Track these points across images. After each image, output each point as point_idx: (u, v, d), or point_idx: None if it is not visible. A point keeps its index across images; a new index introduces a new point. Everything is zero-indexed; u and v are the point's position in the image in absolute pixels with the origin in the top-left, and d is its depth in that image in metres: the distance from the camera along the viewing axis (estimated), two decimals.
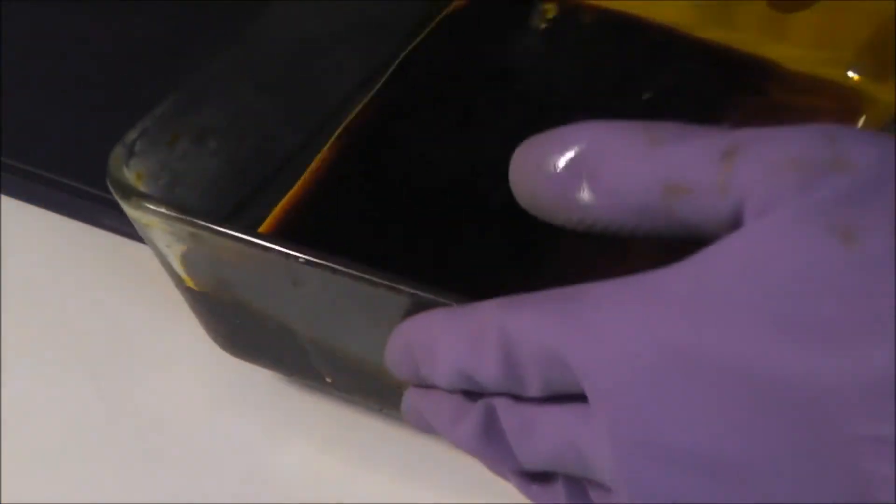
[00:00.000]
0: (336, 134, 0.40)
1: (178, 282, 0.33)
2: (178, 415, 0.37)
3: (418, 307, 0.27)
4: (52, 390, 0.38)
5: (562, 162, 0.23)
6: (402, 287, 0.27)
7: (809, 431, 0.19)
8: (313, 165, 0.39)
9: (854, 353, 0.18)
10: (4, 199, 0.45)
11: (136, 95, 0.44)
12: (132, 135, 0.32)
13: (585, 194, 0.23)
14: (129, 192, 0.30)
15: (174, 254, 0.31)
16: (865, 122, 0.40)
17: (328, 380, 0.34)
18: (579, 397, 0.22)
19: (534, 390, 0.23)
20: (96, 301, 0.41)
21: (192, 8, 0.52)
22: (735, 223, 0.21)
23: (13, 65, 0.49)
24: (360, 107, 0.41)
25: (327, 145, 0.40)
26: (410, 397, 0.28)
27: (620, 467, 0.22)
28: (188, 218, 0.29)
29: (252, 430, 0.36)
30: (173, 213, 0.29)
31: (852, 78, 0.43)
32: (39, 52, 0.50)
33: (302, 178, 0.39)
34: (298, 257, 0.28)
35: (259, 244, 0.28)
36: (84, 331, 0.38)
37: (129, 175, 0.31)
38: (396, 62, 0.43)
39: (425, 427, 0.28)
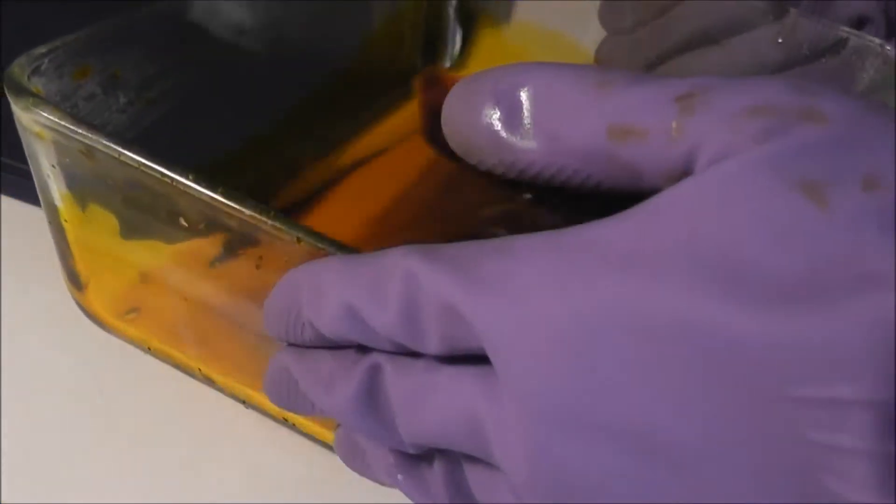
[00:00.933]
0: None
1: (53, 217, 0.30)
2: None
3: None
4: (54, 391, 0.35)
5: (501, 100, 0.21)
6: (296, 232, 0.24)
7: (756, 398, 0.17)
8: None
9: (812, 312, 0.16)
10: (4, 199, 0.44)
11: None
12: (40, 50, 0.30)
13: (522, 135, 0.21)
14: (25, 93, 0.27)
15: (55, 177, 0.29)
16: None
17: (198, 369, 0.31)
18: (485, 359, 0.20)
19: (432, 345, 0.20)
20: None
21: None
22: (685, 173, 0.19)
23: None
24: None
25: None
26: (281, 357, 0.24)
27: (526, 441, 0.19)
28: (88, 133, 0.26)
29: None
30: (66, 121, 0.26)
31: None
32: None
33: None
34: (183, 183, 0.25)
35: (154, 168, 0.25)
36: (85, 328, 0.35)
37: (28, 86, 0.29)
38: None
39: (289, 399, 0.25)
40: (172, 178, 0.25)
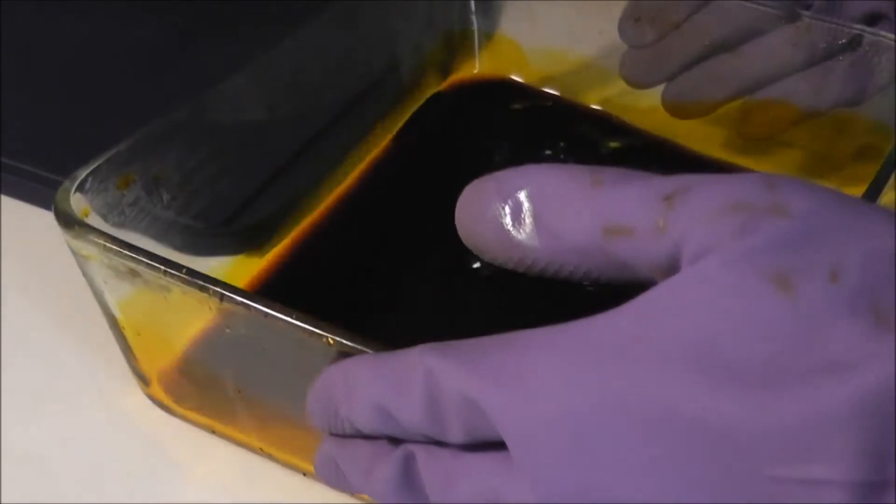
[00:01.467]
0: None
1: (112, 323, 0.33)
2: None
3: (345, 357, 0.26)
4: (54, 389, 0.37)
5: (506, 202, 0.23)
6: (326, 334, 0.26)
7: (742, 480, 0.18)
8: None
9: (786, 399, 0.18)
10: (4, 199, 0.44)
11: (136, 96, 0.43)
12: (83, 172, 0.32)
13: (527, 234, 0.23)
14: (71, 222, 0.30)
15: (109, 291, 0.31)
16: None
17: (259, 447, 0.33)
18: (503, 444, 0.22)
19: (455, 436, 0.22)
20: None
21: (193, 9, 0.52)
22: (672, 267, 0.21)
23: (13, 65, 0.49)
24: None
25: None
26: (325, 446, 0.27)
27: None
28: (126, 251, 0.29)
29: None
30: (111, 244, 0.29)
31: None
32: (39, 52, 0.50)
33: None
34: (228, 296, 0.27)
35: (195, 282, 0.28)
36: (84, 332, 0.37)
37: (77, 209, 0.31)
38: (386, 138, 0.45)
39: (336, 481, 0.27)
40: (213, 290, 0.28)
